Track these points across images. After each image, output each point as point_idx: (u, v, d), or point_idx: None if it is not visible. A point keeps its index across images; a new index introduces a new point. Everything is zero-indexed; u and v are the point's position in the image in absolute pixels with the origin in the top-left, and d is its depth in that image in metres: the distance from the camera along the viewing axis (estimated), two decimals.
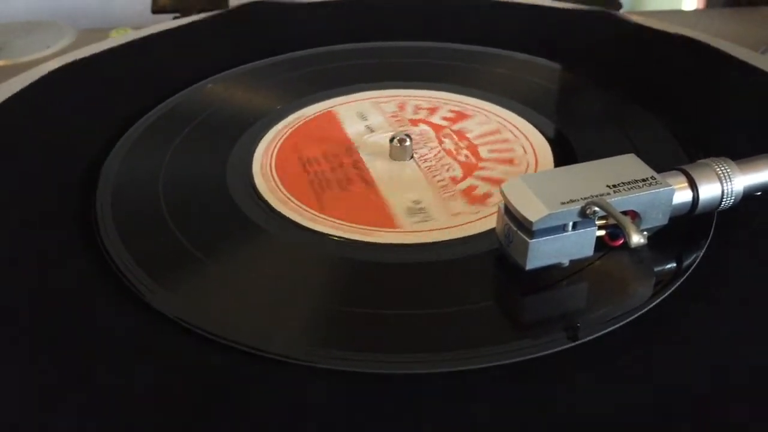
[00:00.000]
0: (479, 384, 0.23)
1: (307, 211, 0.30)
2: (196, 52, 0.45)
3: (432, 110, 0.37)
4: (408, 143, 0.33)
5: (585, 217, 0.25)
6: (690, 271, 0.27)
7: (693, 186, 0.27)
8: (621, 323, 0.24)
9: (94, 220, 0.29)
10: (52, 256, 0.28)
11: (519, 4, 0.50)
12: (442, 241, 0.28)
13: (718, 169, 0.27)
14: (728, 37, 0.45)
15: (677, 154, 0.33)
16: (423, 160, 0.33)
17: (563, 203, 0.25)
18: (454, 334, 0.24)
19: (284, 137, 0.35)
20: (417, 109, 0.37)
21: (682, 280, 0.26)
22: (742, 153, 0.28)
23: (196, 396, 0.22)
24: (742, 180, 0.27)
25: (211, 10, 0.58)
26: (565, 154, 0.33)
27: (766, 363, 0.23)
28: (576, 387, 0.23)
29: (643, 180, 0.26)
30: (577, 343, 0.24)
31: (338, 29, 0.47)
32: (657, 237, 0.27)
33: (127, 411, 0.22)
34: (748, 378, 0.23)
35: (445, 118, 0.36)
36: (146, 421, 0.22)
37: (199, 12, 0.59)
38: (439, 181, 0.32)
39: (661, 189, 0.26)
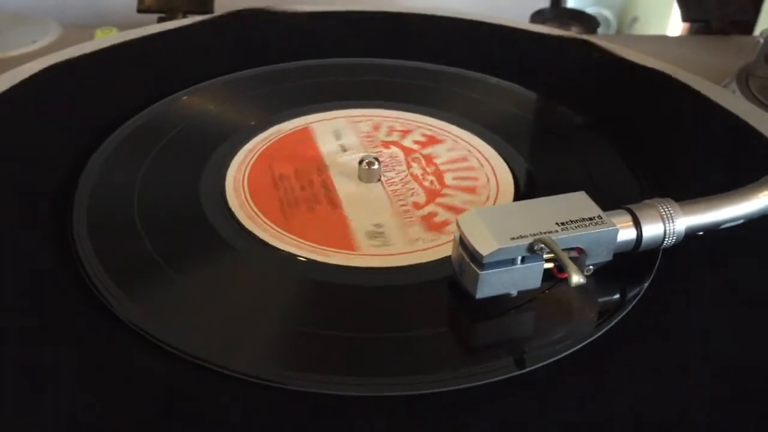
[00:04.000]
0: (427, 409, 0.24)
1: (273, 228, 0.31)
2: (178, 59, 0.46)
3: (405, 132, 0.39)
4: (376, 166, 0.34)
5: (533, 252, 0.26)
6: (634, 302, 0.28)
7: (637, 225, 0.28)
8: (566, 352, 0.26)
9: (69, 227, 0.30)
10: (25, 260, 0.29)
11: (504, 27, 0.51)
12: (396, 267, 0.30)
13: (662, 210, 0.29)
14: (697, 66, 0.47)
15: (632, 188, 0.34)
16: (390, 184, 0.34)
17: (513, 238, 0.26)
18: (402, 358, 0.26)
19: (259, 152, 0.36)
20: (391, 130, 0.39)
21: (626, 311, 0.28)
22: (697, 189, 0.30)
23: (147, 407, 0.24)
24: (684, 221, 0.29)
25: (196, 12, 0.59)
26: (525, 184, 0.35)
27: (702, 393, 0.25)
28: (522, 412, 0.24)
29: (590, 219, 0.27)
30: (524, 371, 0.25)
31: (322, 43, 0.48)
32: (605, 270, 0.28)
33: (76, 418, 0.23)
34: (685, 407, 0.25)
35: (416, 142, 0.38)
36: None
37: (184, 14, 0.60)
38: (402, 206, 0.33)
39: (606, 228, 0.27)
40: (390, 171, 0.35)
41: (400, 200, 0.33)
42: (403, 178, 0.35)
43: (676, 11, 0.84)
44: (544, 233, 0.27)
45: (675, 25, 0.85)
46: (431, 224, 0.32)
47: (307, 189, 0.34)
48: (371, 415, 0.24)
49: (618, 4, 0.94)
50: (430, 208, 0.33)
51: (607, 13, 0.94)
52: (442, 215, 0.32)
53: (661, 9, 0.88)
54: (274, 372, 0.25)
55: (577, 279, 0.25)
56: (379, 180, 0.34)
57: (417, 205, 0.33)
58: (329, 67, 0.45)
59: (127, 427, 0.23)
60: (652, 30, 0.88)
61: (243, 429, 0.23)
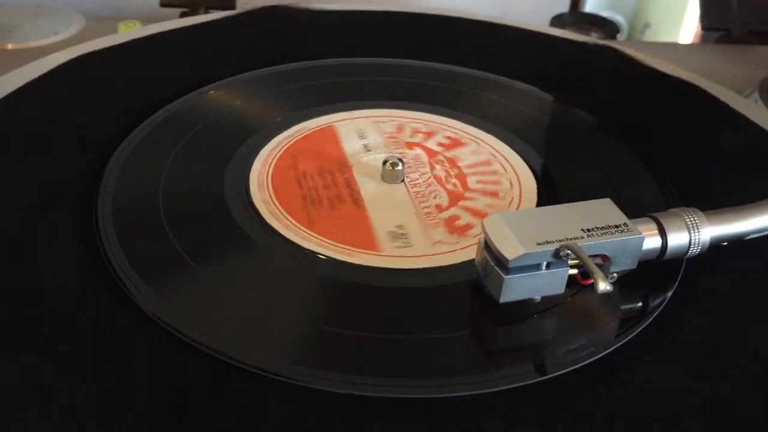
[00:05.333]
0: (445, 413, 0.24)
1: (296, 226, 0.31)
2: (204, 53, 0.46)
3: (429, 134, 0.39)
4: (400, 167, 0.34)
5: (559, 258, 0.26)
6: (657, 311, 0.28)
7: (663, 234, 0.28)
8: (589, 360, 0.26)
9: (94, 218, 0.31)
10: (49, 249, 0.30)
11: (533, 32, 0.51)
12: (418, 269, 0.30)
13: (688, 219, 0.29)
14: (718, 75, 0.46)
15: (654, 196, 0.34)
16: (413, 185, 0.34)
17: (539, 244, 0.26)
18: (421, 361, 0.26)
19: (284, 149, 0.37)
20: (414, 132, 0.39)
21: (649, 320, 0.28)
22: (718, 199, 0.30)
23: (164, 399, 0.24)
24: (709, 231, 0.29)
25: (218, 8, 0.59)
26: (548, 191, 0.35)
27: (725, 407, 0.25)
28: (542, 420, 0.24)
29: (616, 226, 0.27)
30: (545, 377, 0.25)
31: (348, 42, 0.48)
32: (628, 278, 0.28)
33: (94, 407, 0.23)
34: (709, 420, 0.25)
35: (440, 144, 0.38)
36: (112, 418, 0.23)
37: (206, 9, 0.60)
38: (424, 208, 0.33)
39: (632, 236, 0.27)
40: (413, 172, 0.35)
41: (422, 202, 0.33)
42: (426, 180, 0.35)
43: (688, 18, 0.84)
44: (570, 239, 0.27)
45: (687, 32, 0.84)
46: (453, 227, 0.32)
47: (330, 187, 0.34)
48: (387, 418, 0.24)
49: (630, 9, 0.94)
50: (453, 210, 0.33)
51: (619, 18, 0.94)
52: (465, 218, 0.33)
53: (673, 15, 0.87)
54: (290, 369, 0.25)
55: (603, 286, 0.25)
56: (403, 181, 0.35)
57: (440, 208, 0.33)
58: (355, 66, 0.45)
59: (144, 417, 0.23)
60: (664, 36, 0.88)
61: (259, 425, 0.23)
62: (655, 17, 0.91)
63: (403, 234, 0.31)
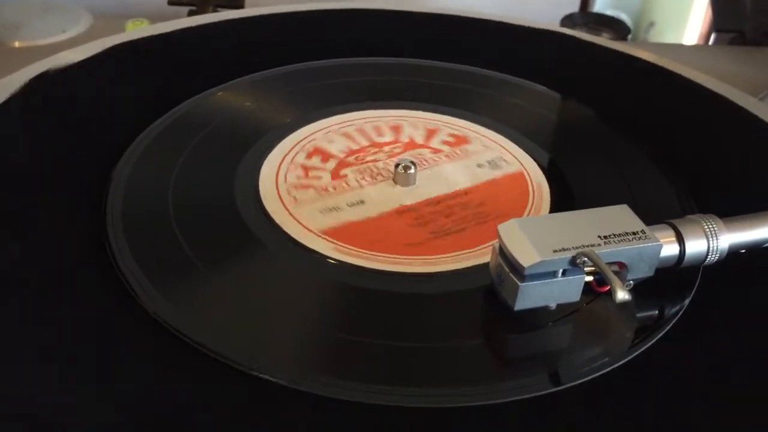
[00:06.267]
0: (457, 424, 0.24)
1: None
2: (213, 53, 0.46)
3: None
4: (412, 170, 0.34)
5: (575, 265, 0.26)
6: (674, 320, 0.28)
7: (680, 241, 0.28)
8: (605, 370, 0.26)
9: (103, 219, 0.30)
10: (57, 251, 0.29)
11: (544, 31, 0.51)
12: (430, 273, 0.29)
13: (706, 226, 0.28)
14: (732, 77, 0.46)
15: (669, 200, 0.34)
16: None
17: (555, 251, 0.26)
18: (433, 370, 0.25)
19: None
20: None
21: (666, 329, 0.27)
22: (734, 205, 0.30)
23: (172, 405, 0.23)
24: (727, 238, 0.28)
25: (227, 6, 0.59)
26: (562, 196, 0.34)
27: (744, 417, 0.25)
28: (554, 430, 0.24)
29: (633, 233, 0.27)
30: (560, 388, 0.25)
31: (355, 41, 0.48)
32: (644, 286, 0.28)
33: (101, 412, 0.23)
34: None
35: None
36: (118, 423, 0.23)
37: (214, 8, 0.59)
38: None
39: (650, 243, 0.27)
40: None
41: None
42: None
43: (692, 17, 0.83)
44: (587, 246, 0.26)
45: (692, 32, 0.84)
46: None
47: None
48: (396, 428, 0.24)
49: (635, 8, 0.93)
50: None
51: (624, 17, 0.93)
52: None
53: (678, 15, 0.87)
54: (299, 376, 0.24)
55: (622, 296, 0.24)
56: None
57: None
58: (369, 66, 0.44)
59: (150, 421, 0.23)
60: (669, 35, 0.88)
61: (266, 431, 0.23)
62: (660, 16, 0.91)
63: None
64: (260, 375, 0.24)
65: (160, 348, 0.25)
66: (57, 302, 0.27)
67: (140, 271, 0.28)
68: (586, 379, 0.25)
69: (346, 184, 0.34)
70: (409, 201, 0.33)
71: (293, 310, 0.28)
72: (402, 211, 0.32)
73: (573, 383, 0.25)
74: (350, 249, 0.30)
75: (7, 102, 0.38)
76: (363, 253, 0.30)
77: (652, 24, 0.92)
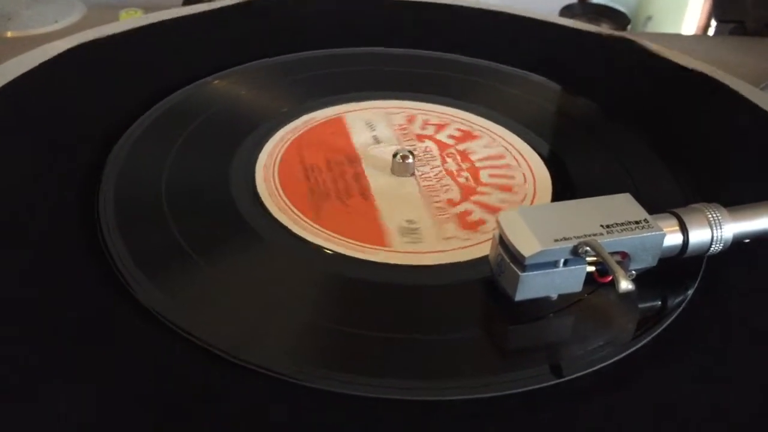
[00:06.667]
0: (454, 417, 0.23)
1: (303, 219, 0.30)
2: (208, 42, 0.45)
3: (440, 127, 0.38)
4: (410, 160, 0.33)
5: (577, 255, 0.25)
6: (678, 311, 0.27)
7: (684, 230, 0.27)
8: (607, 361, 0.25)
9: (95, 209, 0.30)
10: (51, 243, 0.29)
11: (545, 23, 0.50)
12: (428, 265, 0.29)
13: (710, 215, 0.28)
14: (732, 68, 0.45)
15: (671, 190, 0.33)
16: (423, 179, 0.33)
17: (557, 240, 0.25)
18: (432, 361, 0.25)
19: (290, 140, 0.36)
20: (425, 124, 0.38)
21: (670, 320, 0.27)
22: (736, 194, 0.29)
23: (164, 397, 0.23)
24: (732, 227, 0.28)
25: None
26: (563, 185, 0.34)
27: (747, 409, 0.24)
28: (557, 424, 0.23)
29: (636, 222, 0.26)
30: (562, 380, 0.24)
31: (357, 31, 0.47)
32: (647, 277, 0.27)
33: (94, 404, 0.23)
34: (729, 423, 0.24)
35: (451, 137, 0.37)
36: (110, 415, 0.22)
37: None
38: (435, 202, 0.32)
39: (653, 233, 0.26)
40: (424, 166, 0.34)
41: (434, 196, 0.32)
42: (437, 174, 0.34)
43: (690, 11, 0.83)
44: (589, 236, 0.26)
45: (689, 25, 0.83)
46: (465, 222, 0.31)
47: (339, 181, 0.33)
48: (392, 420, 0.23)
49: (633, 2, 0.93)
50: (465, 205, 0.32)
51: (622, 10, 0.93)
52: (477, 213, 0.31)
53: (676, 8, 0.86)
54: (291, 367, 0.24)
55: (625, 286, 0.24)
56: (413, 174, 0.34)
57: (451, 202, 0.32)
58: (363, 55, 0.44)
59: (143, 415, 0.22)
60: (666, 29, 0.87)
61: (261, 425, 0.23)
62: (657, 10, 0.90)
63: (413, 229, 0.30)
64: (253, 367, 0.24)
65: (152, 339, 0.25)
66: (47, 293, 0.26)
67: (132, 262, 0.27)
68: (588, 370, 0.25)
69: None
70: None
71: (288, 301, 0.27)
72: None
73: (575, 375, 0.25)
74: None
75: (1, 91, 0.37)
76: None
77: (649, 18, 0.91)
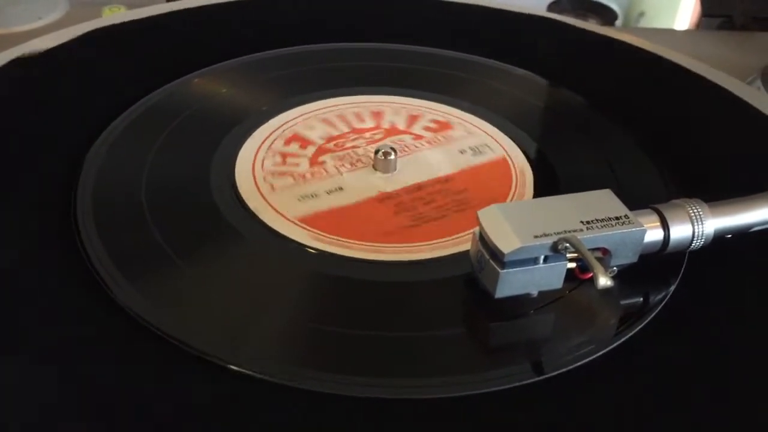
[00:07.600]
0: (437, 415, 0.23)
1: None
2: (188, 39, 0.45)
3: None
4: (392, 156, 0.33)
5: (557, 252, 0.25)
6: (660, 307, 0.27)
7: (665, 226, 0.27)
8: (589, 358, 0.25)
9: (73, 212, 0.29)
10: (28, 244, 0.28)
11: (522, 15, 0.50)
12: (410, 261, 0.28)
13: (691, 211, 0.28)
14: (719, 62, 0.45)
15: (655, 186, 0.33)
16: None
17: (536, 236, 0.25)
18: (412, 360, 0.25)
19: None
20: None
21: (651, 315, 0.27)
22: (720, 188, 0.29)
23: (147, 401, 0.23)
24: (713, 223, 0.28)
25: None
26: (545, 180, 0.33)
27: (729, 404, 0.24)
28: (539, 421, 0.23)
29: (617, 218, 0.26)
30: (543, 377, 0.24)
31: (333, 27, 0.47)
32: (628, 273, 0.27)
33: (73, 408, 0.22)
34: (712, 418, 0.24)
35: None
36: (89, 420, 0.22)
37: None
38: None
39: (633, 229, 0.26)
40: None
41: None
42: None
43: (683, 8, 0.83)
44: (569, 232, 0.25)
45: (682, 22, 0.83)
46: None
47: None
48: (377, 419, 0.23)
49: None
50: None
51: (614, 6, 0.92)
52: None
53: (668, 4, 0.86)
54: (276, 369, 0.24)
55: (604, 282, 0.24)
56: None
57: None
58: (345, 51, 0.44)
59: (124, 420, 0.22)
60: (658, 25, 0.87)
61: (244, 426, 0.22)
62: (650, 6, 0.90)
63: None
64: (235, 367, 0.24)
65: (130, 341, 0.25)
66: (23, 291, 0.26)
67: (110, 261, 0.27)
68: (570, 367, 0.25)
69: (325, 170, 0.33)
70: (388, 188, 0.32)
71: (269, 300, 0.27)
72: (381, 199, 0.32)
73: (556, 372, 0.24)
74: (328, 237, 0.29)
75: None
76: (341, 241, 0.29)
77: (642, 14, 0.91)
